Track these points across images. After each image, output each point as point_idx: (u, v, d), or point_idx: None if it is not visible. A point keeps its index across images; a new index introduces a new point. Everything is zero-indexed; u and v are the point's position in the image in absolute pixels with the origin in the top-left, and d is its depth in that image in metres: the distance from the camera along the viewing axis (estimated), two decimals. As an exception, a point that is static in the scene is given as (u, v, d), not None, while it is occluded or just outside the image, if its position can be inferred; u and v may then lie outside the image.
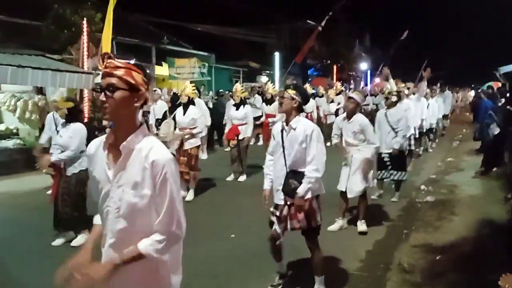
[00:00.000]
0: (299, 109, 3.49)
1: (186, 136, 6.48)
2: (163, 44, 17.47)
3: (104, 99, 1.74)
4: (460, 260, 4.38)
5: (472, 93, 27.11)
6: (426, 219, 5.71)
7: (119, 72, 1.74)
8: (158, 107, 8.65)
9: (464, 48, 49.56)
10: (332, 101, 12.66)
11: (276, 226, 3.37)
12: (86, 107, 9.33)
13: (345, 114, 5.21)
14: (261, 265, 3.99)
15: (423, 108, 9.56)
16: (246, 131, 7.95)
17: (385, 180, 6.47)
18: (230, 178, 8.08)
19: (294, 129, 3.40)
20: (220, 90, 14.32)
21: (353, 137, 5.07)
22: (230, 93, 10.83)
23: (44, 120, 7.06)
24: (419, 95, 8.90)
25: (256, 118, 9.07)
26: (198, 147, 6.82)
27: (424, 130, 9.93)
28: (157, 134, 6.74)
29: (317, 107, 12.88)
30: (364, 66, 34.72)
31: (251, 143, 10.88)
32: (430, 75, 8.58)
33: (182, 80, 13.28)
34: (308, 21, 23.38)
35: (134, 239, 1.74)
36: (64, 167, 4.67)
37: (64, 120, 4.75)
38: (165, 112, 7.98)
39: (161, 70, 16.98)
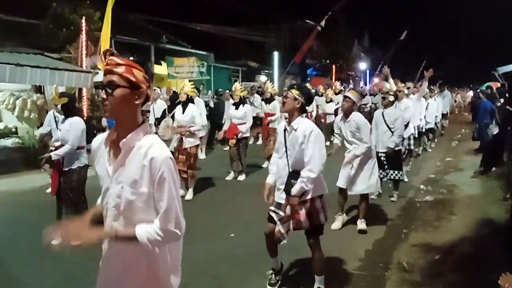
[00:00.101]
0: (302, 110, 3.47)
1: (185, 134, 6.46)
2: (162, 43, 17.43)
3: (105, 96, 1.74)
4: (459, 259, 4.39)
5: (470, 93, 27.14)
6: (425, 219, 5.71)
7: (120, 70, 1.74)
8: (158, 107, 8.63)
9: (463, 48, 49.72)
10: (331, 101, 12.66)
11: (279, 227, 3.35)
12: (84, 106, 9.32)
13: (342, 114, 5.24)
14: (260, 264, 3.98)
15: (423, 108, 9.57)
16: (245, 130, 7.95)
17: (382, 179, 6.48)
18: (229, 177, 8.08)
19: (295, 130, 3.39)
20: (219, 90, 14.31)
21: (352, 136, 5.09)
22: (230, 92, 10.81)
23: (43, 119, 7.06)
24: (419, 95, 8.90)
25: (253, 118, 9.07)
26: (197, 146, 6.81)
27: (423, 130, 9.94)
28: (156, 133, 6.73)
29: (317, 106, 12.88)
30: (363, 66, 34.76)
31: (250, 142, 10.89)
32: (431, 74, 8.52)
33: (181, 79, 13.28)
34: (307, 20, 23.39)
35: None
36: (62, 163, 4.67)
37: (63, 116, 4.82)
38: (164, 110, 7.96)
39: (160, 69, 16.96)
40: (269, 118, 9.04)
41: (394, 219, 5.75)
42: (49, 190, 5.74)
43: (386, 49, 26.29)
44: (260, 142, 11.73)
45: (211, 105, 12.45)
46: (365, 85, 28.07)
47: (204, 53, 18.97)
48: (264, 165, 9.06)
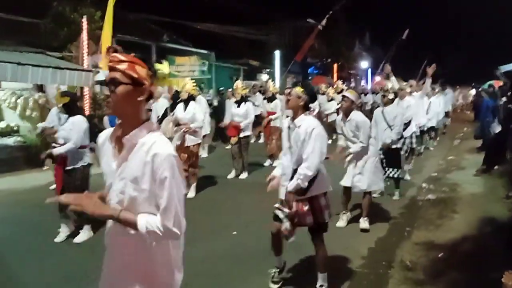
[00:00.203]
0: (305, 108, 3.51)
1: (187, 131, 6.45)
2: (163, 42, 17.42)
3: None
4: (462, 257, 4.38)
5: (472, 91, 27.08)
6: (427, 217, 5.70)
7: (122, 66, 1.73)
8: (160, 105, 8.63)
9: (464, 48, 49.62)
10: (332, 99, 12.63)
11: (286, 224, 3.35)
12: (86, 104, 9.32)
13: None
14: (261, 264, 3.97)
15: (425, 106, 9.55)
16: (245, 126, 7.94)
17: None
18: (231, 176, 8.07)
19: (299, 127, 3.42)
20: (220, 88, 14.30)
21: (353, 135, 5.08)
22: (232, 90, 10.82)
23: (44, 118, 7.07)
24: (422, 93, 8.87)
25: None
26: (199, 144, 6.81)
27: (425, 129, 9.92)
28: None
29: (319, 105, 12.85)
30: (364, 64, 34.73)
31: (252, 141, 10.89)
32: (435, 69, 8.45)
33: (182, 78, 13.25)
34: (308, 19, 23.35)
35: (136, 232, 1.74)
36: (65, 161, 4.68)
37: (67, 115, 4.83)
38: (166, 109, 7.97)
39: (161, 68, 16.91)
40: (270, 117, 9.05)
41: (397, 217, 5.74)
42: (53, 187, 5.76)
43: (387, 48, 26.22)
44: (262, 140, 11.72)
45: (215, 103, 12.44)
46: (367, 83, 28.05)
47: (206, 52, 18.94)
48: (266, 164, 9.07)
